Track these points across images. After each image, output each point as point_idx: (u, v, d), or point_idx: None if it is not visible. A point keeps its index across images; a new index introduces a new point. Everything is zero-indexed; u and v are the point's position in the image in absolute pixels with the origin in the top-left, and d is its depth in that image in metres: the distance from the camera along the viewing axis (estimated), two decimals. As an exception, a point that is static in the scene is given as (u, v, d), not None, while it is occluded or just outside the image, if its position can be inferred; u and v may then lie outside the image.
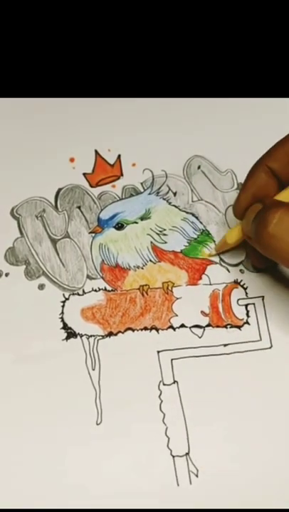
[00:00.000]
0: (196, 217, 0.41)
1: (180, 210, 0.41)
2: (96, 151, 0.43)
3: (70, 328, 0.38)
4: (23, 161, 0.42)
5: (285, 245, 0.30)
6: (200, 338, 0.37)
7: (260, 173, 0.35)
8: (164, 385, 0.36)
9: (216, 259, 0.40)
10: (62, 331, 0.38)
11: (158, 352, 0.37)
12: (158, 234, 0.40)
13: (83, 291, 0.39)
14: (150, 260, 0.39)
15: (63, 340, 0.37)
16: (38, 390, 0.36)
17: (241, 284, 0.39)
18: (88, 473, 0.34)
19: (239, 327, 0.38)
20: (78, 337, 0.37)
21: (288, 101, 0.44)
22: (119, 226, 0.40)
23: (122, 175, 0.42)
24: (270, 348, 0.37)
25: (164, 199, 0.41)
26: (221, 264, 0.40)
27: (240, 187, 0.36)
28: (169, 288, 0.39)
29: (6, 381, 0.36)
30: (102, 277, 0.39)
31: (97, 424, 0.35)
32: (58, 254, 0.40)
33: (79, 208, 0.41)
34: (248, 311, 0.38)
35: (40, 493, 0.34)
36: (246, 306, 0.38)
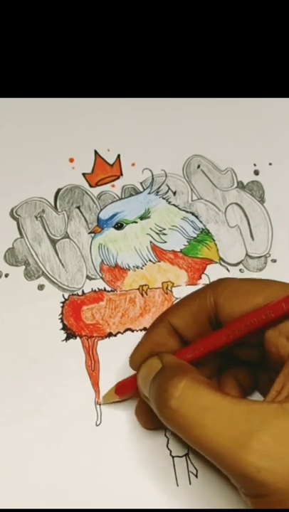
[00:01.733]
0: (196, 217, 0.41)
1: (180, 209, 0.41)
2: (95, 151, 0.43)
3: (70, 329, 0.38)
4: (22, 161, 0.42)
5: (188, 423, 0.26)
6: (200, 338, 0.37)
7: (161, 329, 0.32)
8: (163, 385, 0.36)
9: (216, 258, 0.40)
10: (62, 331, 0.38)
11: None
12: (157, 233, 0.40)
13: (83, 291, 0.39)
14: (150, 260, 0.39)
15: (63, 341, 0.37)
16: (38, 391, 0.36)
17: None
18: (88, 473, 0.34)
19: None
20: (78, 338, 0.37)
21: (288, 101, 0.44)
22: (119, 226, 0.40)
23: (121, 175, 0.42)
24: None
25: (164, 198, 0.41)
26: (221, 264, 0.39)
27: (140, 340, 0.33)
28: (169, 288, 0.38)
29: (6, 382, 0.36)
30: (102, 277, 0.39)
31: (97, 425, 0.35)
32: (57, 255, 0.40)
33: (78, 208, 0.41)
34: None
35: (39, 493, 0.34)
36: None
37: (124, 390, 0.34)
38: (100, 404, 0.35)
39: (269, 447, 0.24)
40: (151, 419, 0.33)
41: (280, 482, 0.24)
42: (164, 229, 0.40)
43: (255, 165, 0.42)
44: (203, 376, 0.28)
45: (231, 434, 0.25)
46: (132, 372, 0.33)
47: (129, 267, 0.39)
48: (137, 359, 0.32)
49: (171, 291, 0.38)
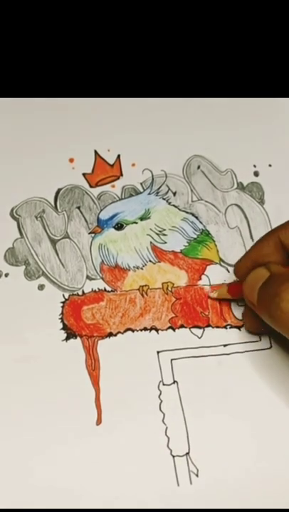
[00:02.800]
0: (196, 217, 0.41)
1: (180, 210, 0.41)
2: (95, 151, 0.43)
3: (70, 329, 0.38)
4: (22, 162, 0.42)
5: None
6: (200, 338, 0.37)
7: (269, 242, 0.33)
8: (163, 385, 0.36)
9: (216, 259, 0.40)
10: (62, 331, 0.38)
11: (158, 352, 0.37)
12: (158, 234, 0.40)
13: (83, 291, 0.39)
14: (150, 260, 0.39)
15: (63, 340, 0.37)
16: (38, 391, 0.36)
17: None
18: (88, 473, 0.34)
19: (239, 327, 0.38)
20: (78, 338, 0.37)
21: (288, 101, 0.44)
22: (119, 226, 0.40)
23: (121, 175, 0.42)
24: (270, 348, 0.37)
25: (164, 199, 0.41)
26: (221, 264, 0.40)
27: (248, 250, 0.35)
28: (169, 288, 0.39)
29: (6, 381, 0.36)
30: (102, 278, 0.39)
31: (97, 425, 0.35)
32: (57, 255, 0.40)
33: (78, 208, 0.41)
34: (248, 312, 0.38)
35: (40, 492, 0.34)
36: (246, 306, 0.38)
37: (236, 291, 0.36)
38: (210, 298, 0.38)
39: None
40: (257, 324, 0.34)
41: None
42: (164, 229, 0.40)
43: (255, 166, 0.42)
44: None
45: None
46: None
47: (129, 267, 0.39)
48: (242, 267, 0.34)
49: (171, 291, 0.38)
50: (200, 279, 0.39)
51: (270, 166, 0.42)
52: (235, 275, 0.35)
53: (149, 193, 0.41)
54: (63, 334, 0.38)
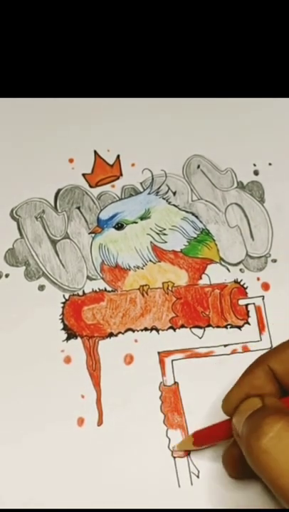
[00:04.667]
0: (196, 217, 0.41)
1: (180, 209, 0.41)
2: (95, 152, 0.43)
3: (71, 329, 0.38)
4: (22, 162, 0.42)
5: (276, 468, 0.24)
6: (200, 338, 0.37)
7: (260, 373, 0.30)
8: (164, 386, 0.36)
9: (216, 258, 0.40)
10: (63, 331, 0.38)
11: (158, 353, 0.37)
12: (158, 233, 0.40)
13: (83, 291, 0.39)
14: (150, 260, 0.39)
15: (64, 341, 0.37)
16: (39, 392, 0.36)
17: (241, 283, 0.39)
18: (89, 474, 0.34)
19: (239, 327, 0.38)
20: (79, 338, 0.37)
21: (288, 101, 0.44)
22: (119, 226, 0.40)
23: (121, 175, 0.42)
24: (270, 348, 0.37)
25: (164, 198, 0.41)
26: (221, 264, 0.39)
27: (236, 381, 0.31)
28: (169, 288, 0.38)
29: (7, 382, 0.36)
30: (102, 278, 0.39)
31: (98, 426, 0.35)
32: (57, 255, 0.40)
33: (78, 208, 0.41)
34: (248, 311, 0.38)
35: (40, 493, 0.34)
36: (246, 306, 0.38)
37: (203, 441, 0.33)
38: (173, 452, 0.35)
39: None
40: (238, 468, 0.32)
41: None
42: (165, 229, 0.40)
43: (255, 165, 0.42)
44: None
45: None
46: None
47: (129, 267, 0.39)
48: (232, 401, 0.30)
49: (171, 291, 0.38)
50: (200, 278, 0.39)
51: (270, 164, 0.42)
52: (225, 412, 0.31)
53: (149, 193, 0.41)
54: (64, 335, 0.38)
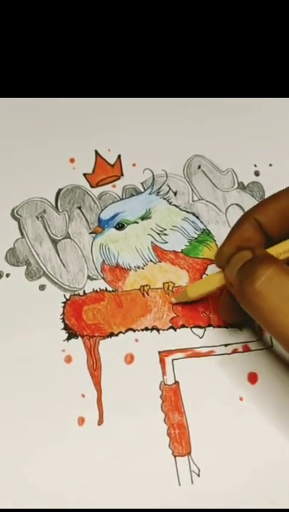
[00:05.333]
0: (197, 217, 0.41)
1: (180, 209, 0.41)
2: (96, 152, 0.43)
3: (71, 329, 0.38)
4: (23, 162, 0.42)
5: (269, 307, 0.27)
6: (201, 338, 0.37)
7: (248, 226, 0.33)
8: (165, 385, 0.36)
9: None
10: (64, 331, 0.38)
11: (159, 352, 0.37)
12: (158, 234, 0.40)
13: (84, 291, 0.39)
14: (151, 260, 0.39)
15: (64, 340, 0.37)
16: (40, 391, 0.36)
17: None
18: (90, 473, 0.34)
19: (240, 327, 0.38)
20: (79, 338, 0.37)
21: (288, 101, 0.44)
22: (120, 226, 0.40)
23: (122, 175, 0.42)
24: (271, 347, 0.37)
25: (165, 199, 0.41)
26: (222, 264, 0.40)
27: (226, 236, 0.34)
28: (170, 288, 0.39)
29: (7, 382, 0.36)
30: (103, 278, 0.39)
31: (99, 425, 0.35)
32: (58, 255, 0.40)
33: (79, 208, 0.41)
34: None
35: (40, 492, 0.34)
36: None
37: (197, 290, 0.36)
38: (172, 304, 0.37)
39: None
40: (233, 312, 0.34)
41: None
42: (165, 229, 0.40)
43: (255, 166, 0.42)
44: None
45: None
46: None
47: (130, 267, 0.39)
48: (224, 253, 0.33)
49: (172, 291, 0.38)
50: (201, 278, 0.39)
51: (270, 165, 0.42)
52: (218, 265, 0.34)
53: (150, 193, 0.41)
54: (64, 334, 0.38)
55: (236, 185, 0.42)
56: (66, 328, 0.38)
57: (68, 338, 0.37)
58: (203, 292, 0.35)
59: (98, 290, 0.39)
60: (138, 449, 0.35)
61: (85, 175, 0.42)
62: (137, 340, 0.37)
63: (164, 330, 0.38)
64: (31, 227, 0.40)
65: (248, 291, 0.28)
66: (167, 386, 0.36)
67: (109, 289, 0.39)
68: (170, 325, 0.38)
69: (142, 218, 0.41)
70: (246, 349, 0.37)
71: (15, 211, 0.41)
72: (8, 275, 0.39)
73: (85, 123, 0.44)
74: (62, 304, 0.38)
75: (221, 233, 0.40)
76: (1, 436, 0.35)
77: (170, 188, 0.42)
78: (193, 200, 0.41)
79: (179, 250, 0.40)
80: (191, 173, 0.42)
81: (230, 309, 0.34)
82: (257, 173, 0.42)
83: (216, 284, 0.34)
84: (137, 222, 0.40)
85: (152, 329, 0.38)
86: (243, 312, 0.30)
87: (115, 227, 0.40)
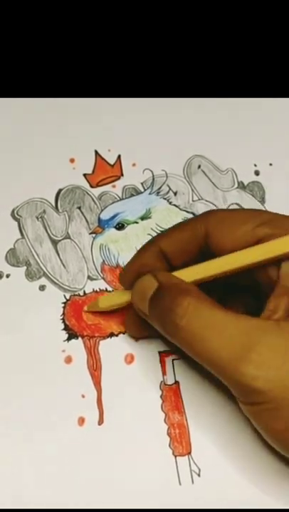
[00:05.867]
0: (197, 217, 0.41)
1: (180, 209, 0.41)
2: (96, 152, 0.43)
3: (71, 329, 0.38)
4: (22, 162, 0.42)
5: (192, 338, 0.28)
6: (201, 338, 0.37)
7: (150, 253, 0.33)
8: (165, 385, 0.36)
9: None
10: (64, 331, 0.38)
11: (159, 352, 0.37)
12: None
13: (84, 292, 0.39)
14: (151, 260, 0.39)
15: (64, 341, 0.37)
16: (40, 391, 0.36)
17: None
18: (90, 473, 0.34)
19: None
20: (79, 338, 0.37)
21: (288, 101, 0.44)
22: (120, 226, 0.40)
23: (122, 175, 0.42)
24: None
25: (165, 199, 0.41)
26: (222, 264, 0.39)
27: (129, 260, 0.35)
28: (170, 288, 0.39)
29: (7, 382, 0.36)
30: (103, 278, 0.39)
31: (99, 425, 0.35)
32: (58, 255, 0.40)
33: (79, 208, 0.41)
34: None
35: (40, 493, 0.34)
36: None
37: (108, 303, 0.36)
38: (84, 312, 0.38)
39: (265, 358, 0.27)
40: (142, 328, 0.35)
41: (275, 390, 0.26)
42: (165, 229, 0.40)
43: (255, 165, 0.42)
44: (203, 293, 0.30)
45: (232, 348, 0.27)
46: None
47: (130, 267, 0.39)
48: (126, 277, 0.34)
49: (172, 291, 0.38)
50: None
51: (270, 165, 0.42)
52: (122, 283, 0.35)
53: (150, 193, 0.41)
54: (65, 335, 0.38)
55: (236, 185, 0.42)
56: (66, 328, 0.38)
57: (68, 339, 0.37)
58: (113, 304, 0.36)
59: (98, 290, 0.39)
60: (138, 449, 0.35)
61: (85, 175, 0.42)
62: (137, 341, 0.37)
63: (164, 330, 0.38)
64: (31, 228, 0.40)
65: (169, 328, 0.29)
66: (167, 386, 0.36)
67: (110, 289, 0.39)
68: (170, 325, 0.38)
69: (142, 218, 0.41)
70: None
71: (15, 211, 0.41)
72: (8, 276, 0.39)
73: (84, 123, 0.44)
74: (63, 305, 0.38)
75: (221, 233, 0.40)
76: (1, 437, 0.35)
77: (170, 188, 0.42)
78: (193, 200, 0.41)
79: (179, 250, 0.40)
80: (191, 173, 0.42)
81: (137, 325, 0.35)
82: (257, 173, 0.42)
83: (126, 299, 0.34)
84: (137, 222, 0.40)
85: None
86: (150, 327, 0.31)
87: (115, 228, 0.40)
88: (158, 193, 0.41)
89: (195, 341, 0.28)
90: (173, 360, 0.37)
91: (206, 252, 0.32)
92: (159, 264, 0.33)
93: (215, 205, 0.41)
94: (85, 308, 0.38)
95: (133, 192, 0.42)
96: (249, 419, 0.30)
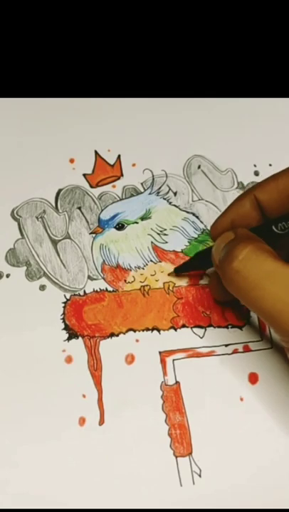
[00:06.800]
0: (197, 217, 0.41)
1: (180, 209, 0.41)
2: (96, 152, 0.43)
3: (72, 329, 0.38)
4: (23, 162, 0.42)
5: (247, 284, 0.29)
6: (201, 338, 0.37)
7: (245, 201, 0.34)
8: (166, 385, 0.36)
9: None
10: (64, 331, 0.38)
11: (160, 352, 0.37)
12: (158, 234, 0.40)
13: (84, 291, 0.39)
14: (151, 260, 0.39)
15: (65, 341, 0.37)
16: (40, 391, 0.36)
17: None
18: (91, 473, 0.34)
19: (240, 327, 0.38)
20: (80, 338, 0.37)
21: (288, 101, 0.44)
22: (120, 226, 0.40)
23: (122, 175, 0.42)
24: (271, 348, 0.37)
25: (165, 199, 0.41)
26: (222, 264, 0.39)
27: (224, 210, 0.35)
28: (170, 288, 0.39)
29: (8, 382, 0.36)
30: (103, 278, 0.39)
31: (100, 425, 0.35)
32: (58, 255, 0.40)
33: (79, 208, 0.41)
34: (249, 311, 0.38)
35: (41, 493, 0.34)
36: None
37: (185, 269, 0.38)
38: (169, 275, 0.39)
39: None
40: (221, 291, 0.34)
41: None
42: (165, 229, 0.40)
43: (255, 165, 0.42)
44: (267, 246, 0.30)
45: (285, 299, 0.27)
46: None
47: (130, 267, 0.39)
48: (218, 227, 0.34)
49: (172, 291, 0.38)
50: (201, 278, 0.39)
51: (270, 165, 0.42)
52: (211, 235, 0.36)
53: (150, 193, 0.41)
54: (65, 334, 0.38)
55: (236, 185, 0.42)
56: (67, 328, 0.38)
57: (69, 339, 0.37)
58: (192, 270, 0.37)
59: (98, 290, 0.39)
60: (139, 449, 0.35)
61: (84, 175, 0.42)
62: (137, 341, 0.37)
63: (164, 330, 0.38)
64: (31, 228, 0.40)
65: (227, 270, 0.29)
66: (168, 386, 0.36)
67: (110, 289, 0.39)
68: (171, 325, 0.38)
69: (142, 218, 0.41)
70: (247, 349, 0.37)
71: (15, 211, 0.41)
72: (8, 276, 0.39)
73: (84, 123, 0.44)
74: (63, 304, 0.38)
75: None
76: (1, 437, 0.35)
77: (170, 188, 0.42)
78: (193, 200, 0.41)
79: (179, 250, 0.40)
80: (190, 173, 0.42)
81: (219, 287, 0.35)
82: (256, 173, 0.42)
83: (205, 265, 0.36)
84: (137, 223, 0.40)
85: (153, 329, 0.38)
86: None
87: (115, 228, 0.40)
88: (158, 193, 0.41)
89: (249, 287, 0.28)
90: (173, 360, 0.37)
91: None
92: (254, 213, 0.33)
93: (215, 206, 0.41)
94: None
95: (133, 192, 0.42)
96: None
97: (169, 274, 0.39)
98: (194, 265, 0.38)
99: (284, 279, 0.28)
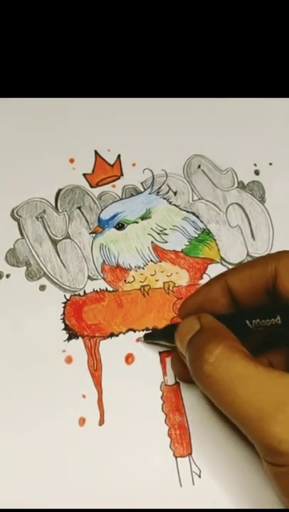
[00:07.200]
0: (197, 217, 0.41)
1: (180, 209, 0.41)
2: (96, 152, 0.43)
3: (72, 329, 0.38)
4: (22, 162, 0.42)
5: (219, 388, 0.27)
6: (202, 338, 0.37)
7: (216, 286, 0.32)
8: (165, 385, 0.36)
9: (217, 258, 0.40)
10: (64, 331, 0.38)
11: (160, 353, 0.37)
12: (159, 233, 0.40)
13: (84, 291, 0.39)
14: (151, 260, 0.39)
15: (65, 341, 0.37)
16: (40, 392, 0.36)
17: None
18: (91, 473, 0.34)
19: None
20: (80, 338, 0.37)
21: (288, 101, 0.44)
22: (120, 226, 0.40)
23: (122, 175, 0.42)
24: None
25: (165, 198, 0.41)
26: (222, 264, 0.39)
27: (194, 292, 0.34)
28: (170, 288, 0.39)
29: (8, 382, 0.36)
30: (103, 278, 0.39)
31: (100, 425, 0.35)
32: (58, 255, 0.40)
33: (79, 208, 0.41)
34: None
35: (41, 493, 0.34)
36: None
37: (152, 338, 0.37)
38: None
39: None
40: (185, 373, 0.33)
41: None
42: (165, 229, 0.40)
43: (255, 165, 0.42)
44: (238, 344, 0.28)
45: (259, 405, 0.26)
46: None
47: (130, 267, 0.39)
48: (186, 309, 0.33)
49: (172, 291, 0.38)
50: (201, 278, 0.39)
51: (270, 164, 0.42)
52: (180, 313, 0.34)
53: (150, 193, 0.41)
54: (65, 335, 0.37)
55: (236, 185, 0.42)
56: (66, 328, 0.38)
57: (69, 339, 0.37)
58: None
59: (98, 290, 0.39)
60: (139, 449, 0.35)
61: (84, 175, 0.42)
62: (137, 341, 0.37)
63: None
64: (31, 228, 0.40)
65: (197, 374, 0.28)
66: (168, 386, 0.36)
67: (110, 289, 0.39)
68: (171, 325, 0.38)
69: (142, 218, 0.40)
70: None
71: (15, 211, 0.41)
72: (8, 276, 0.39)
73: (84, 123, 0.44)
74: (63, 305, 0.38)
75: (221, 233, 0.40)
76: (1, 436, 0.35)
77: (170, 188, 0.42)
78: (193, 200, 0.41)
79: (179, 250, 0.40)
80: (190, 173, 0.42)
81: (182, 368, 0.34)
82: (257, 173, 0.42)
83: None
84: (137, 222, 0.40)
85: (153, 329, 0.38)
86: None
87: (115, 227, 0.40)
88: (158, 192, 0.41)
89: (222, 392, 0.27)
90: (173, 360, 0.37)
91: (273, 294, 0.31)
92: (224, 299, 0.32)
93: (215, 205, 0.41)
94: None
95: (133, 192, 0.41)
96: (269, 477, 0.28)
97: (137, 340, 0.37)
98: (164, 336, 0.36)
99: (256, 383, 0.26)
